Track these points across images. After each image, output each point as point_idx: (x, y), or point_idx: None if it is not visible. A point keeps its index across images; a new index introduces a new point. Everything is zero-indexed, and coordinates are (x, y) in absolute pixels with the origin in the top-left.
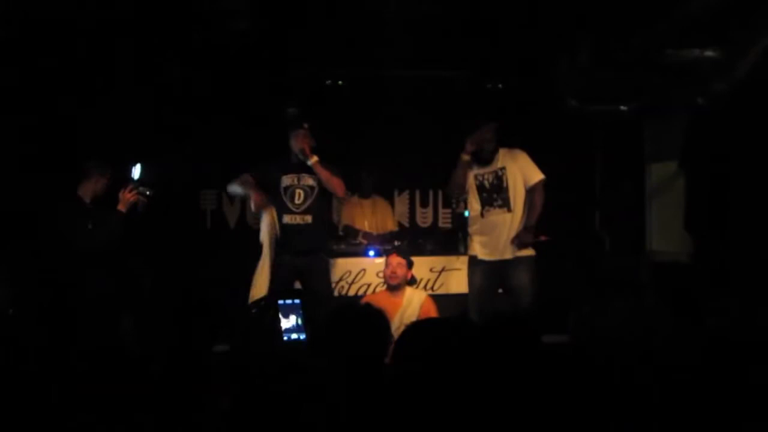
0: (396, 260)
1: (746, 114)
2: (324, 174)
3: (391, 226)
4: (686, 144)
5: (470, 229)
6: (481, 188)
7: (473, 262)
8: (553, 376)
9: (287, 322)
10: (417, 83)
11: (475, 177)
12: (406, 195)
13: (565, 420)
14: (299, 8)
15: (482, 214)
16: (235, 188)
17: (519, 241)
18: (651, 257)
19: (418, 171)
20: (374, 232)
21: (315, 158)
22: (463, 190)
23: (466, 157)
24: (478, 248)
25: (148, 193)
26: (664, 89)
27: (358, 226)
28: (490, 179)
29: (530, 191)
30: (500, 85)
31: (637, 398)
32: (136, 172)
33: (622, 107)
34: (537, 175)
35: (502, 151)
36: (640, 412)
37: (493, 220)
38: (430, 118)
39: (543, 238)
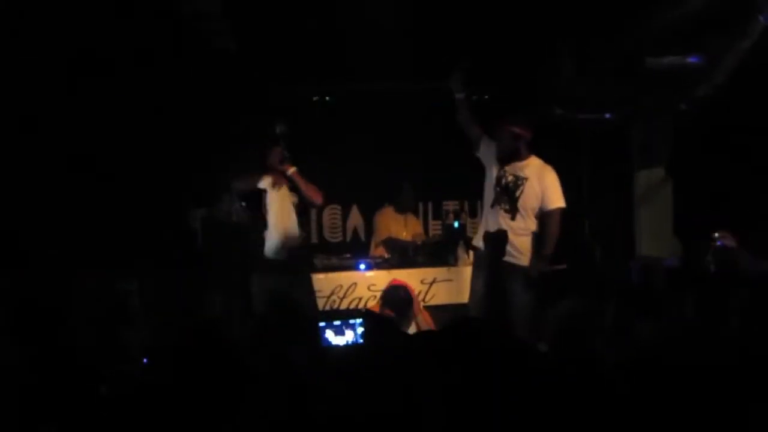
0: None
1: (729, 117)
2: (302, 183)
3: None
4: (673, 149)
5: (481, 220)
6: (498, 182)
7: (478, 259)
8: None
9: (341, 339)
10: (402, 97)
11: (499, 169)
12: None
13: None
14: (282, 26)
15: (492, 205)
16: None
17: (534, 271)
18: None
19: (405, 181)
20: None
21: (293, 168)
22: (474, 130)
23: (459, 96)
24: (482, 239)
25: None
26: (649, 96)
27: (397, 235)
28: (508, 180)
29: (546, 216)
30: (486, 96)
31: (628, 403)
32: None
33: (608, 115)
34: (558, 202)
35: (534, 161)
36: (632, 417)
37: (497, 216)
38: (416, 132)
39: (562, 266)
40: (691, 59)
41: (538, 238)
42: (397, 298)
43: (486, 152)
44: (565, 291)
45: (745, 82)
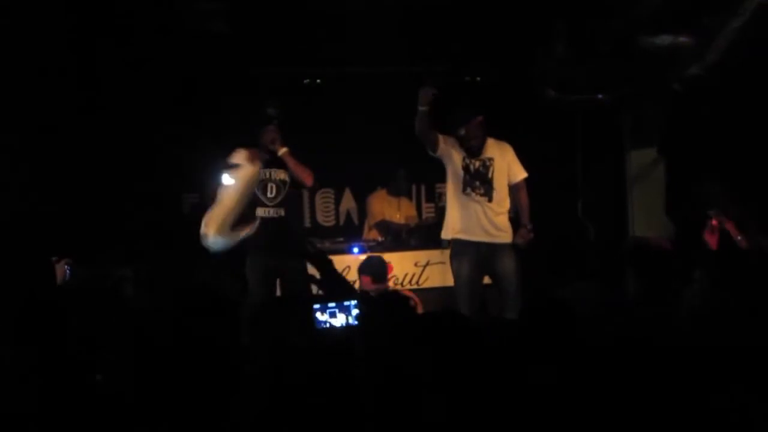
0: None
1: (722, 97)
2: (293, 163)
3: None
4: (665, 130)
5: (449, 209)
6: (466, 170)
7: (457, 247)
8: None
9: (335, 322)
10: (395, 79)
11: (463, 159)
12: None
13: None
14: (275, 8)
15: (464, 191)
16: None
17: (522, 241)
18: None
19: (400, 166)
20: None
21: (285, 149)
22: (432, 134)
23: (423, 109)
24: (459, 227)
25: None
26: (641, 76)
27: (390, 218)
28: (477, 165)
29: (515, 189)
30: (478, 78)
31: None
32: None
33: (600, 96)
34: (522, 173)
35: (490, 141)
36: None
37: (472, 201)
38: (408, 113)
39: (532, 235)
40: (683, 39)
41: (516, 212)
42: (373, 264)
43: (445, 148)
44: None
45: (739, 62)
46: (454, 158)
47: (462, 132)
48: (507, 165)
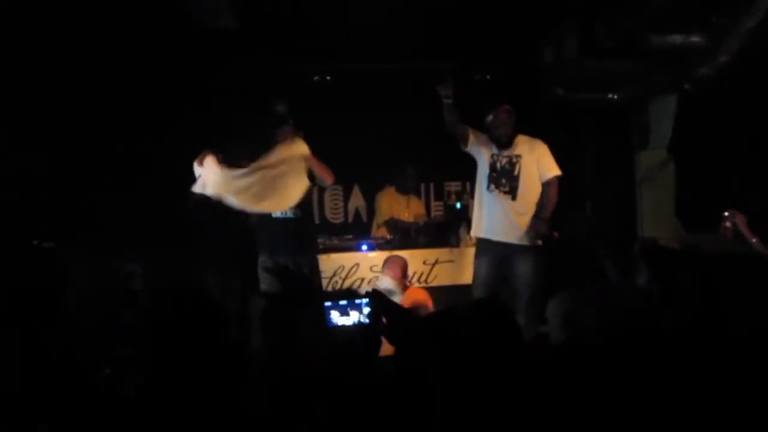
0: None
1: (733, 98)
2: (315, 164)
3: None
4: (675, 130)
5: (475, 207)
6: (492, 167)
7: (481, 246)
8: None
9: (347, 320)
10: (404, 76)
11: (491, 156)
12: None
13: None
14: (283, 4)
15: (487, 188)
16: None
17: (533, 232)
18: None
19: (409, 164)
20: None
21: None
22: (461, 127)
23: (448, 101)
24: (482, 227)
25: None
26: (651, 76)
27: (398, 216)
28: (503, 162)
29: (545, 185)
30: (488, 76)
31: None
32: None
33: (610, 95)
34: (554, 170)
35: (521, 138)
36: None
37: (495, 200)
38: (418, 112)
39: (555, 234)
40: (695, 38)
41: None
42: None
43: (475, 143)
44: (570, 273)
45: (750, 62)
46: (483, 154)
47: (490, 118)
48: (536, 162)
